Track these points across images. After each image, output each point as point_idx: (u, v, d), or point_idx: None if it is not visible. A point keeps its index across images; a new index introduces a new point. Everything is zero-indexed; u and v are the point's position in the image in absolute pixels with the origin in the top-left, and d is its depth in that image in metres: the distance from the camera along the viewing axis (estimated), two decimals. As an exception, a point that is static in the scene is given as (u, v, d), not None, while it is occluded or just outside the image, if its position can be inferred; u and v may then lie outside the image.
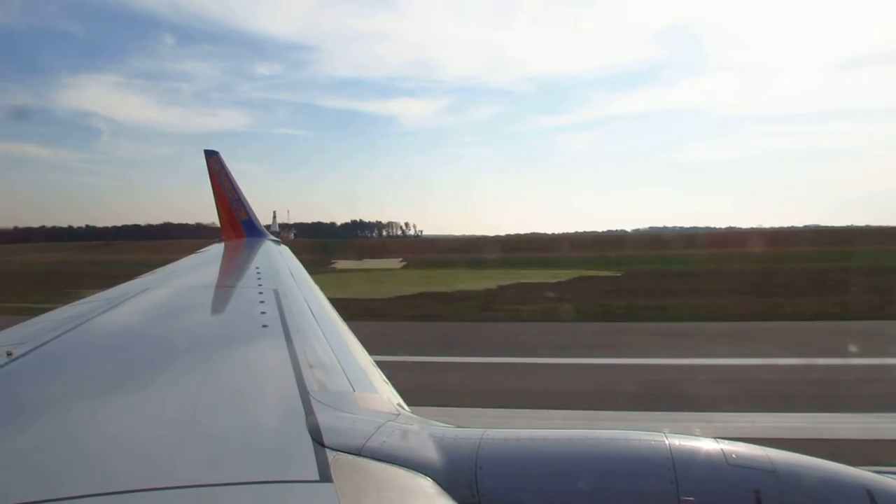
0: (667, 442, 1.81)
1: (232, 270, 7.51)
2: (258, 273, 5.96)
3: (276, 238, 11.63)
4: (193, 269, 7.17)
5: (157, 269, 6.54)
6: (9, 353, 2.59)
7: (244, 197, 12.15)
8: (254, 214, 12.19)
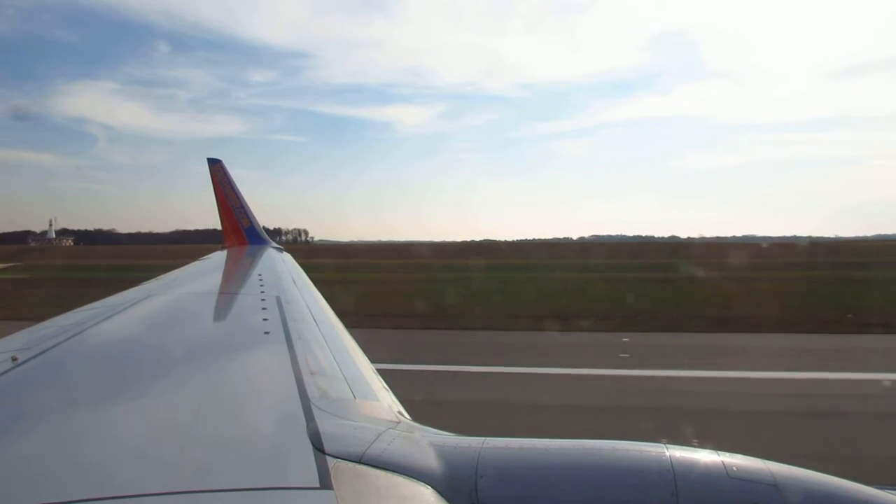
0: (667, 453, 1.81)
1: (234, 278, 7.52)
2: (261, 280, 5.98)
3: (278, 246, 11.67)
4: (196, 276, 7.19)
5: (160, 276, 6.56)
6: (14, 359, 2.61)
7: (247, 204, 12.22)
8: (256, 222, 12.24)
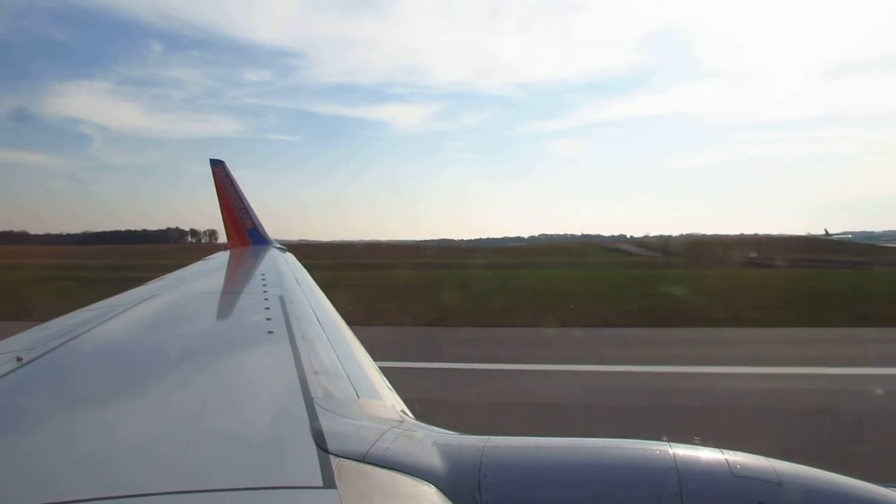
0: (671, 451, 1.81)
1: (238, 277, 7.55)
2: (263, 280, 5.99)
3: (281, 246, 11.70)
4: (200, 275, 7.22)
5: (164, 276, 6.59)
6: (19, 359, 2.62)
7: (249, 205, 12.26)
8: (259, 222, 12.28)
